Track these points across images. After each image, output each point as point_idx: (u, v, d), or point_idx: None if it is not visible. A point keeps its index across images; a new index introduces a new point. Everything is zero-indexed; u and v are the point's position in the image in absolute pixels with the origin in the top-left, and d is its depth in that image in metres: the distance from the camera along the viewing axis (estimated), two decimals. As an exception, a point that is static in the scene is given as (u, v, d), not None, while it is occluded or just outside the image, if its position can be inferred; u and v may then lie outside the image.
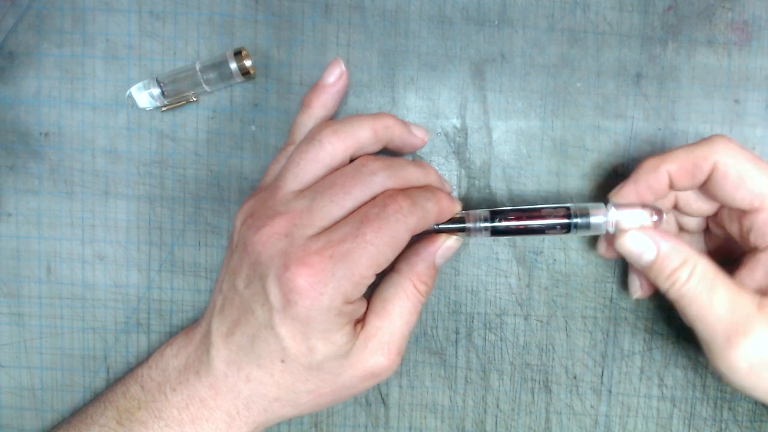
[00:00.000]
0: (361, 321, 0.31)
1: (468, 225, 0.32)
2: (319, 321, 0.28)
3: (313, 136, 0.31)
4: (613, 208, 0.31)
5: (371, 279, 0.29)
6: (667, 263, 0.30)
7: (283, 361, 0.30)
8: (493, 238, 0.35)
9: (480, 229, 0.32)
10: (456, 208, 0.32)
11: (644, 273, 0.32)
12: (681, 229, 0.35)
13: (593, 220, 0.31)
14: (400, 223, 0.29)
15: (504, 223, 0.32)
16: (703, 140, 0.30)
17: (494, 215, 0.32)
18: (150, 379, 0.33)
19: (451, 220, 0.32)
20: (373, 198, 0.30)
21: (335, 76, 0.34)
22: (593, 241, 0.37)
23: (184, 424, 0.31)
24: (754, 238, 0.30)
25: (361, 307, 0.31)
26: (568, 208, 0.32)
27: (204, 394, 0.31)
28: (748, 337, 0.28)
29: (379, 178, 0.30)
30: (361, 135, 0.31)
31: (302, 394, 0.31)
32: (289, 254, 0.28)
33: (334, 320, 0.29)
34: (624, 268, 0.37)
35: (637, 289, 0.35)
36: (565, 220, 0.31)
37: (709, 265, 0.30)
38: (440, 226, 0.32)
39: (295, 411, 0.32)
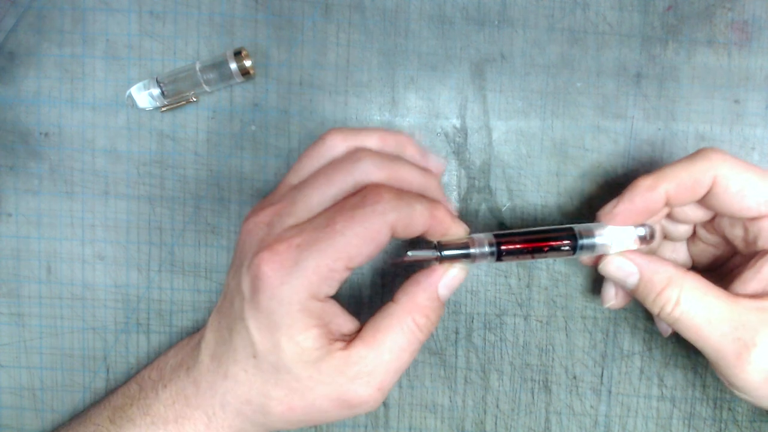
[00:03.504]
0: (345, 342, 0.29)
1: (473, 251, 0.29)
2: (281, 314, 0.27)
3: (320, 136, 0.31)
4: (609, 228, 0.30)
5: (342, 274, 0.27)
6: (650, 286, 0.29)
7: (254, 357, 0.28)
8: (497, 263, 0.34)
9: (485, 255, 0.30)
10: (459, 231, 0.30)
11: (635, 297, 0.31)
12: (666, 237, 0.35)
13: (598, 240, 0.30)
14: (377, 215, 0.27)
15: (509, 247, 0.30)
16: (697, 155, 0.29)
17: (499, 240, 0.30)
18: (148, 378, 0.33)
19: (455, 246, 0.30)
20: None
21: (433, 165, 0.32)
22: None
23: (168, 422, 0.31)
24: (763, 243, 0.29)
25: (335, 315, 0.29)
26: (572, 229, 0.30)
27: (189, 391, 0.31)
28: (758, 348, 0.27)
29: (364, 165, 0.28)
30: (367, 140, 0.30)
31: (273, 401, 0.29)
32: (263, 241, 0.28)
33: (297, 316, 0.27)
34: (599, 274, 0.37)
35: (612, 298, 0.34)
36: (570, 242, 0.30)
37: (697, 279, 0.29)
38: (443, 253, 0.29)
39: (266, 420, 0.30)
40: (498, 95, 0.37)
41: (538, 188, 0.37)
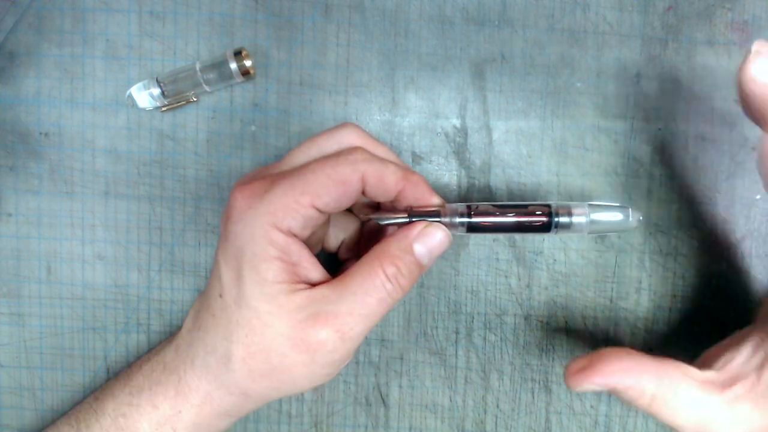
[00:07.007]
0: (309, 285, 0.29)
1: (443, 219, 0.29)
2: (245, 238, 0.28)
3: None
4: (593, 207, 0.30)
5: (307, 210, 0.28)
6: (640, 394, 0.28)
7: (221, 296, 0.29)
8: (471, 234, 0.33)
9: (455, 225, 0.29)
10: (433, 200, 0.30)
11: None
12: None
13: (575, 219, 0.29)
14: (349, 162, 0.28)
15: (479, 219, 0.29)
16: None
17: (471, 210, 0.29)
18: (139, 359, 0.34)
19: (426, 213, 0.29)
20: None
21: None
22: (593, 240, 0.37)
23: (143, 391, 0.31)
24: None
25: (303, 258, 0.29)
26: (549, 206, 0.29)
27: (169, 357, 0.32)
28: None
29: (346, 130, 0.30)
30: (379, 150, 0.31)
31: (234, 344, 0.28)
32: (243, 183, 0.29)
33: (261, 243, 0.27)
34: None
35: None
36: (545, 219, 0.29)
37: (676, 373, 0.28)
38: (413, 219, 0.29)
39: (228, 374, 0.29)
40: (498, 95, 0.37)
41: (538, 188, 0.37)
